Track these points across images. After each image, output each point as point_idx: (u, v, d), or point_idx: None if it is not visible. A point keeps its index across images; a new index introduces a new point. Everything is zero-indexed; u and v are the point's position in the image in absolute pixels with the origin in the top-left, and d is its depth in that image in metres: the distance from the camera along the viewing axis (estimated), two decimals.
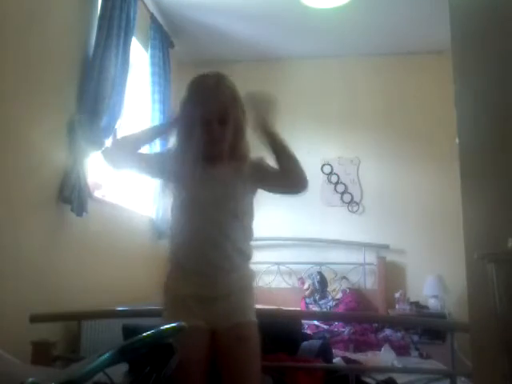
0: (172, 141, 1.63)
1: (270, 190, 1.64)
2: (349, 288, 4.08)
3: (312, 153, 4.21)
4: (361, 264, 4.21)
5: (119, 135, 2.87)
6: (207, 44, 4.37)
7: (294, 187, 1.59)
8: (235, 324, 1.45)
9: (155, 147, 2.92)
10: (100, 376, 1.34)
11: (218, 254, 1.49)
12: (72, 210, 2.46)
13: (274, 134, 1.56)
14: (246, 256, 1.57)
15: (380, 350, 2.92)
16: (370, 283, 4.22)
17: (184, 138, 1.58)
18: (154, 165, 1.61)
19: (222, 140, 1.55)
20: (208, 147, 1.54)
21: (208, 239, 1.49)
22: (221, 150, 1.58)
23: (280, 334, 2.08)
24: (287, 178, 1.56)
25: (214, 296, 1.47)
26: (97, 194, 2.88)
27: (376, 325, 3.33)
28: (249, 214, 1.58)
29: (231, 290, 1.50)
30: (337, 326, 3.36)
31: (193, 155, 1.53)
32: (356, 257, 4.21)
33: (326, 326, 3.36)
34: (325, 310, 3.84)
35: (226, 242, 1.50)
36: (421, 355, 2.96)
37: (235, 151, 1.59)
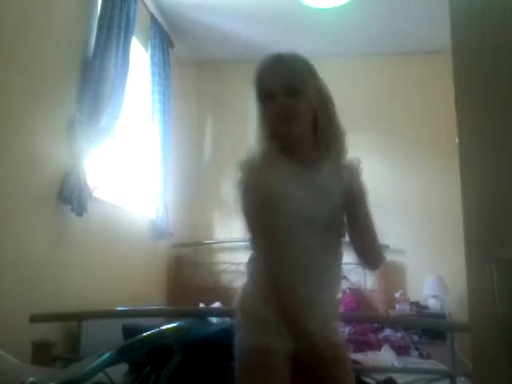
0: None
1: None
2: (349, 288, 4.08)
3: None
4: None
5: None
6: (207, 44, 4.37)
7: (367, 266, 1.46)
8: (332, 343, 1.25)
9: None
10: (100, 376, 1.34)
11: (320, 284, 1.29)
12: (72, 211, 2.46)
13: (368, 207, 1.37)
14: (338, 282, 1.42)
15: (380, 350, 2.92)
16: (370, 283, 4.22)
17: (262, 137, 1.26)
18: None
19: (293, 116, 1.22)
20: (280, 130, 1.24)
21: (313, 272, 1.27)
22: (299, 136, 1.26)
23: None
24: (363, 256, 1.41)
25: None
26: (97, 194, 2.88)
27: (376, 325, 3.32)
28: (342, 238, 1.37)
29: (327, 314, 1.31)
30: None
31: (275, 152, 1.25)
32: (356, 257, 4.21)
33: None
34: None
35: (330, 276, 1.32)
36: (421, 355, 2.96)
37: (325, 143, 1.30)
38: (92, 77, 2.63)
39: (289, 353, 1.19)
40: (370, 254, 1.41)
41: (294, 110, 1.23)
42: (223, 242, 4.32)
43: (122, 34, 2.85)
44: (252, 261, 1.31)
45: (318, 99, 1.28)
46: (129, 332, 1.92)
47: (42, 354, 1.80)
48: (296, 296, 1.20)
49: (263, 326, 1.22)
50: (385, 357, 2.74)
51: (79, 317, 2.10)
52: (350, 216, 1.38)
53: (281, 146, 1.26)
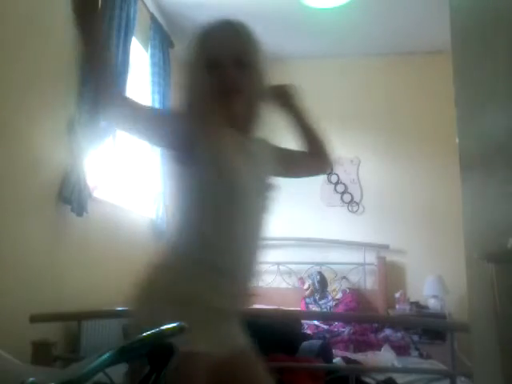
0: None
1: (290, 176, 1.41)
2: (349, 288, 4.09)
3: None
4: (361, 264, 4.21)
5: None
6: None
7: (324, 169, 1.45)
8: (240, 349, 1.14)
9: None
10: (100, 376, 1.34)
11: (257, 258, 1.16)
12: (72, 211, 2.46)
13: (304, 111, 1.35)
14: None
15: (380, 350, 2.92)
16: (370, 283, 4.22)
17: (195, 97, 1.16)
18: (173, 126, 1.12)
19: (239, 91, 1.14)
20: (222, 104, 1.13)
21: (254, 239, 1.15)
22: (239, 111, 1.17)
23: (280, 334, 2.08)
24: (321, 160, 1.39)
25: (237, 311, 1.16)
26: (97, 194, 2.88)
27: (376, 325, 3.33)
28: None
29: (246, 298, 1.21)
30: (337, 326, 3.36)
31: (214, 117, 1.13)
32: (356, 257, 4.21)
33: (325, 326, 3.36)
34: (325, 310, 3.84)
35: (260, 244, 1.18)
36: (421, 355, 2.96)
37: (256, 120, 1.22)
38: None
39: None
40: (327, 154, 1.41)
41: (241, 84, 1.14)
42: None
43: (122, 34, 2.85)
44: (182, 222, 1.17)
45: (261, 76, 1.20)
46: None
47: (42, 354, 1.80)
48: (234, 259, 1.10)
49: (191, 314, 0.97)
50: (385, 357, 2.75)
51: (79, 317, 2.09)
52: (296, 158, 1.40)
53: (219, 114, 1.16)
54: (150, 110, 1.35)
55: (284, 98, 1.33)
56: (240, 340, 1.13)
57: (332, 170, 1.44)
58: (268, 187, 1.20)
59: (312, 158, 1.39)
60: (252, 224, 1.14)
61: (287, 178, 1.37)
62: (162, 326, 0.93)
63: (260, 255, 1.16)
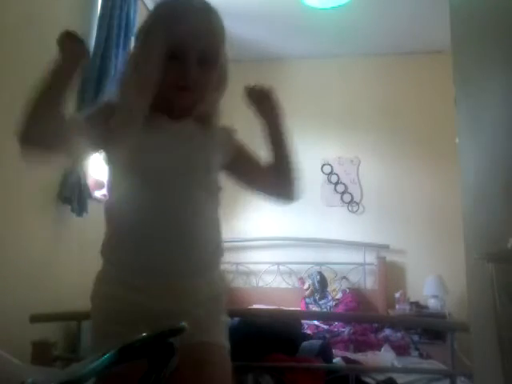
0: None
1: (245, 184, 1.25)
2: (349, 288, 4.08)
3: (312, 153, 4.21)
4: (361, 264, 4.21)
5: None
6: None
7: (284, 198, 1.27)
8: (196, 344, 0.99)
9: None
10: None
11: (186, 246, 1.04)
12: (72, 211, 2.46)
13: (284, 132, 1.21)
14: (220, 251, 1.18)
15: (380, 350, 2.92)
16: (370, 283, 4.22)
17: (135, 76, 1.03)
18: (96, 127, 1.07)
19: (197, 90, 1.04)
20: (174, 97, 1.04)
21: (171, 225, 1.02)
22: (189, 105, 1.08)
23: (280, 334, 2.08)
24: (282, 184, 1.22)
25: (171, 311, 1.00)
26: (97, 194, 2.88)
27: (376, 325, 3.33)
28: (220, 194, 1.16)
29: (198, 300, 1.05)
30: (337, 326, 3.36)
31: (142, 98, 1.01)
32: (356, 257, 4.21)
33: (325, 326, 3.36)
34: (325, 310, 3.83)
35: (197, 230, 1.05)
36: (421, 355, 2.96)
37: (207, 109, 1.13)
38: (92, 77, 2.63)
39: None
40: (284, 185, 1.23)
41: (200, 84, 1.03)
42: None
43: (122, 33, 2.85)
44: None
45: (223, 70, 1.10)
46: None
47: (42, 354, 1.80)
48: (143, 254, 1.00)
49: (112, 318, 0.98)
50: (385, 357, 2.75)
51: (79, 317, 2.09)
52: (246, 167, 1.22)
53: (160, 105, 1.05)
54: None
55: (259, 101, 1.19)
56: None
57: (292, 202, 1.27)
58: (205, 178, 1.09)
59: (272, 177, 1.20)
60: (173, 216, 1.02)
61: (244, 187, 1.26)
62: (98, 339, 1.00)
63: (197, 249, 1.06)
